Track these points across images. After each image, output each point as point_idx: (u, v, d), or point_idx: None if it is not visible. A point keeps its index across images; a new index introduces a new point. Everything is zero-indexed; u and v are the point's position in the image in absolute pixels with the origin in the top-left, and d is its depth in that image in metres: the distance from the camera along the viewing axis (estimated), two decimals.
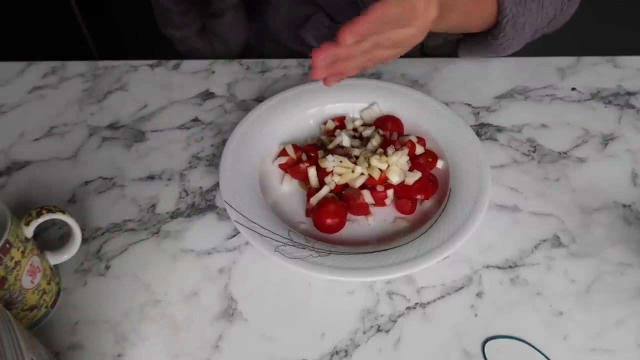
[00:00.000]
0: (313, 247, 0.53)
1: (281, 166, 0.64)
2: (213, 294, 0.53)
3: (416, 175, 0.59)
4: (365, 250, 0.53)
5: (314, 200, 0.59)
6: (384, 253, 0.53)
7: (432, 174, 0.62)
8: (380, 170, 0.59)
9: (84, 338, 0.50)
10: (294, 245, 0.53)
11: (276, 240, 0.53)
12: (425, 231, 0.55)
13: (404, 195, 0.60)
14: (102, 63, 0.81)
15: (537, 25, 0.71)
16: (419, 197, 0.60)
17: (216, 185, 0.63)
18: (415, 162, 0.62)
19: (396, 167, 0.60)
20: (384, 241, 0.56)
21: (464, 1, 0.62)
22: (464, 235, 0.53)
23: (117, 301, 0.53)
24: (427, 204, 0.60)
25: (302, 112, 0.68)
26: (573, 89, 0.74)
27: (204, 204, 0.62)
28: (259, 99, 0.74)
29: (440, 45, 0.74)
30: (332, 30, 0.74)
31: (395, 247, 0.53)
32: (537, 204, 0.61)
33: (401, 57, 0.80)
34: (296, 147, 0.64)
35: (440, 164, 0.63)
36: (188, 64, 0.81)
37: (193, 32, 0.85)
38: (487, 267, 0.55)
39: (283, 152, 0.64)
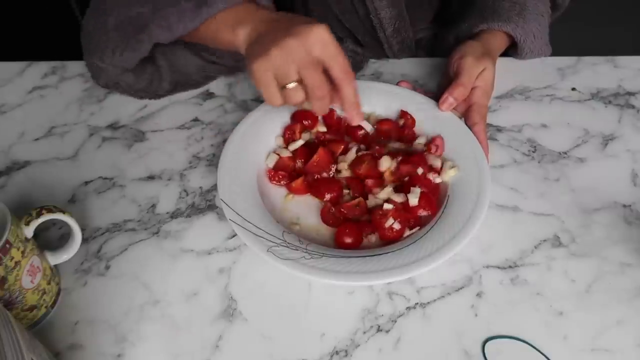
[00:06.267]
0: (306, 249, 0.53)
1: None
2: (213, 294, 0.53)
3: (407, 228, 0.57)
4: (361, 254, 0.53)
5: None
6: (382, 256, 0.52)
7: (435, 186, 0.60)
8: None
9: (84, 338, 0.50)
10: (287, 247, 0.53)
11: (270, 241, 0.53)
12: (425, 233, 0.54)
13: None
14: None
15: (546, 21, 0.74)
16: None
17: (216, 185, 0.63)
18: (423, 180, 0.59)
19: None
20: (381, 244, 0.56)
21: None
22: (465, 236, 0.52)
23: (117, 301, 0.53)
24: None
25: None
26: (573, 89, 0.74)
27: (204, 204, 0.62)
28: (259, 99, 0.73)
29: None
30: (356, 54, 0.76)
31: (395, 250, 0.53)
32: (537, 204, 0.61)
33: (402, 57, 0.81)
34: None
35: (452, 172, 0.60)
36: None
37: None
38: (487, 267, 0.55)
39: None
